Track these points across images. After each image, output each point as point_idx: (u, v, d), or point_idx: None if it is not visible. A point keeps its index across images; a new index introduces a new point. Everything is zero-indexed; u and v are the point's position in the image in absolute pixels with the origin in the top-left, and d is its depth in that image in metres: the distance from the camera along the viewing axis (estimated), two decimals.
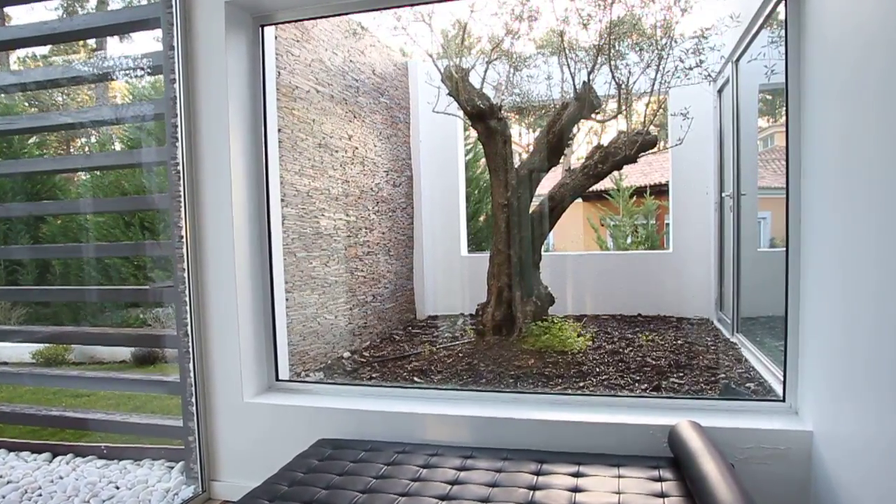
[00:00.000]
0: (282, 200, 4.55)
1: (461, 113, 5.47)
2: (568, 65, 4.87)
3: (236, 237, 3.19)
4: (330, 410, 3.08)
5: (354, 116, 5.95)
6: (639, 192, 8.32)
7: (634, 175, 9.23)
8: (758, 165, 5.60)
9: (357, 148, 5.97)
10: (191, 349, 3.26)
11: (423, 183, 7.51)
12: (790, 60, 2.51)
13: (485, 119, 5.14)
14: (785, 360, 2.62)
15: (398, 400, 3.14)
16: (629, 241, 8.28)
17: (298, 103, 4.85)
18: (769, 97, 5.81)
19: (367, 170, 6.22)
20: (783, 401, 2.65)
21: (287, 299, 4.57)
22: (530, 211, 5.49)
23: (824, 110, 2.22)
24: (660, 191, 8.46)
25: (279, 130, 4.56)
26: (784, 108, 2.56)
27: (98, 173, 6.69)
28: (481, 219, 8.15)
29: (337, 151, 5.54)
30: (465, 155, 8.01)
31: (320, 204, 5.19)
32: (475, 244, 8.06)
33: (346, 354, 5.52)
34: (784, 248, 2.60)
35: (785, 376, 2.63)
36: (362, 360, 5.42)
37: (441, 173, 7.51)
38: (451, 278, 7.49)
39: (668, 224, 8.87)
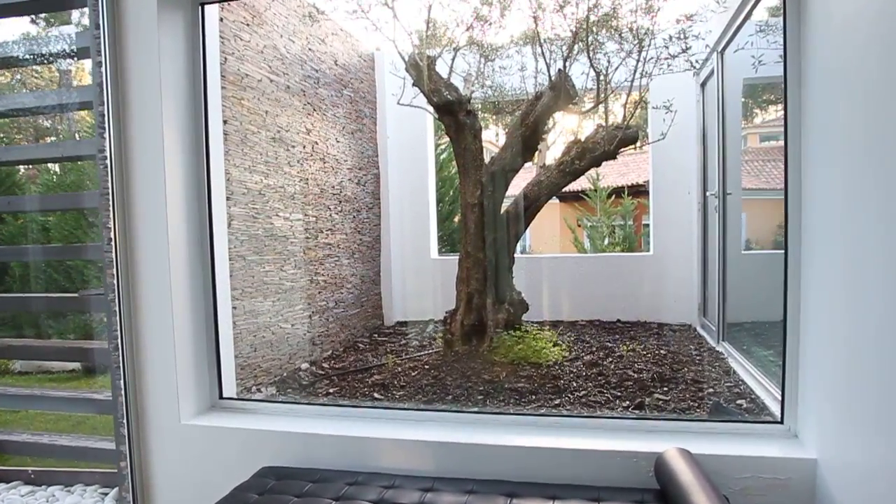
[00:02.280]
0: (228, 199, 4.27)
1: (430, 106, 5.22)
2: (543, 53, 4.64)
3: (172, 239, 2.91)
4: (276, 434, 2.83)
5: (314, 109, 5.68)
6: (616, 192, 8.34)
7: (612, 175, 9.29)
8: (741, 164, 5.46)
9: (317, 143, 5.70)
10: (121, 364, 2.98)
11: (391, 181, 7.35)
12: (789, 46, 2.30)
13: (453, 112, 4.90)
14: (783, 376, 2.42)
15: (353, 421, 2.90)
16: (606, 242, 8.25)
17: (249, 93, 4.56)
18: (756, 91, 5.68)
19: (329, 167, 5.95)
20: (781, 422, 2.44)
21: (235, 307, 4.29)
22: (503, 211, 5.27)
23: (828, 100, 2.02)
24: (637, 191, 8.62)
25: (225, 122, 4.27)
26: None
27: (58, 171, 6.47)
28: (456, 219, 7.99)
29: (294, 146, 5.26)
30: (441, 153, 7.86)
31: (274, 203, 4.90)
32: (450, 245, 7.94)
33: (304, 366, 5.24)
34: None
35: (783, 395, 2.43)
36: (321, 372, 5.15)
37: (410, 171, 7.36)
38: (421, 282, 7.36)
39: (646, 225, 8.90)
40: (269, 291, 4.82)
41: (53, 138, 7.63)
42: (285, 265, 5.08)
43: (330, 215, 5.96)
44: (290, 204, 5.16)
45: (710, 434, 2.48)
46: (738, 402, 3.65)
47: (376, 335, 6.74)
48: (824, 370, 2.09)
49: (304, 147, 5.47)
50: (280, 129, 5.03)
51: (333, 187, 6.04)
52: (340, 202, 6.20)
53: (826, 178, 2.06)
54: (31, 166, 6.94)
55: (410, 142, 7.32)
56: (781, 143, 2.41)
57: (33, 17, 6.50)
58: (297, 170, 5.29)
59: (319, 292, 5.73)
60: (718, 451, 2.28)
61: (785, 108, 2.34)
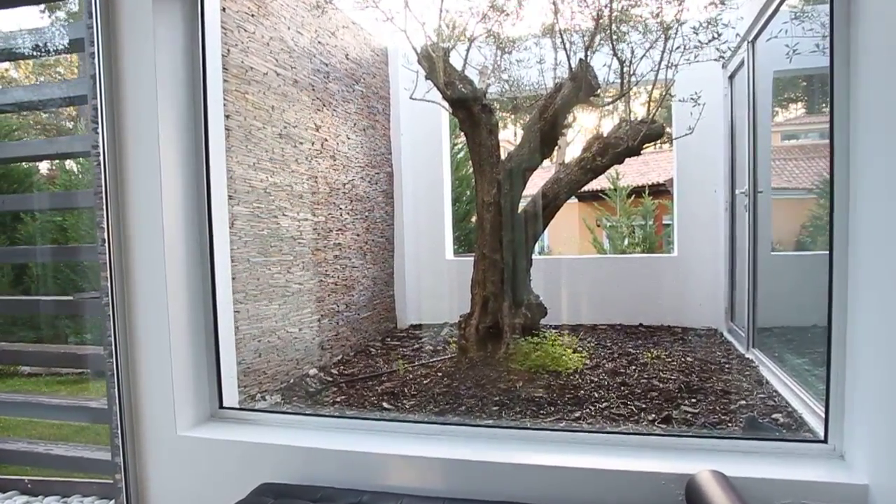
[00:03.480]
0: (231, 198, 4.14)
1: (444, 101, 5.06)
2: (563, 42, 4.46)
3: (168, 240, 2.78)
4: (277, 448, 2.70)
5: (324, 105, 5.54)
6: (636, 191, 8.25)
7: (631, 174, 9.22)
8: (770, 161, 5.26)
9: (326, 140, 5.57)
10: (115, 372, 2.86)
11: (405, 180, 7.23)
12: (836, 30, 2.11)
13: (468, 106, 4.74)
14: (827, 389, 2.23)
15: (358, 435, 2.75)
16: (626, 242, 8.14)
17: (253, 87, 4.43)
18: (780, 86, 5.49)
19: (339, 164, 5.81)
20: (825, 441, 2.25)
21: (238, 311, 4.17)
22: (520, 210, 5.10)
23: (883, 87, 1.83)
24: (658, 191, 8.51)
25: (228, 117, 4.14)
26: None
27: (76, 171, 6.41)
28: (473, 220, 7.88)
29: (302, 143, 5.13)
30: (458, 152, 7.76)
31: (281, 202, 4.77)
32: (466, 246, 7.84)
33: (313, 372, 5.11)
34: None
35: (827, 410, 2.24)
36: (329, 379, 5.01)
37: (425, 169, 7.25)
38: (436, 283, 7.24)
39: (666, 225, 8.78)
40: (276, 294, 4.69)
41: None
42: (293, 267, 4.95)
43: (340, 215, 5.83)
44: (298, 203, 5.03)
45: (746, 453, 2.30)
46: (774, 416, 3.45)
47: (389, 339, 6.61)
48: (875, 383, 1.91)
49: (313, 144, 5.34)
50: (287, 125, 4.90)
51: (344, 186, 5.91)
52: (352, 201, 6.07)
53: (879, 173, 1.88)
54: (52, 166, 6.91)
55: (425, 139, 7.20)
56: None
57: (42, 6, 6.43)
58: (305, 167, 5.16)
59: (329, 295, 5.60)
60: (755, 473, 2.10)
61: (831, 98, 2.16)
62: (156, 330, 2.80)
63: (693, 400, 3.85)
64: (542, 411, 3.78)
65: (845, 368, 2.15)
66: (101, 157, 2.77)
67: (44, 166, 6.86)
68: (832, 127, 2.15)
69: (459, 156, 7.89)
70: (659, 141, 5.08)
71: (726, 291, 6.13)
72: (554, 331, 5.44)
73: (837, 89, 2.12)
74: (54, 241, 6.01)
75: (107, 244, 2.79)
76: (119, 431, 2.86)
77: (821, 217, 6.46)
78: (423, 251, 7.30)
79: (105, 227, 2.80)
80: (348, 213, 5.99)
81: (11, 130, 6.61)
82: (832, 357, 2.20)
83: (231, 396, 3.15)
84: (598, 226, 8.88)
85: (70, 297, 3.66)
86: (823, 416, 2.26)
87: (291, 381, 4.84)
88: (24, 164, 6.19)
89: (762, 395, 3.87)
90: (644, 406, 3.78)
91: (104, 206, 2.79)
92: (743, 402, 3.78)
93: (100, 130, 2.76)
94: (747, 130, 4.79)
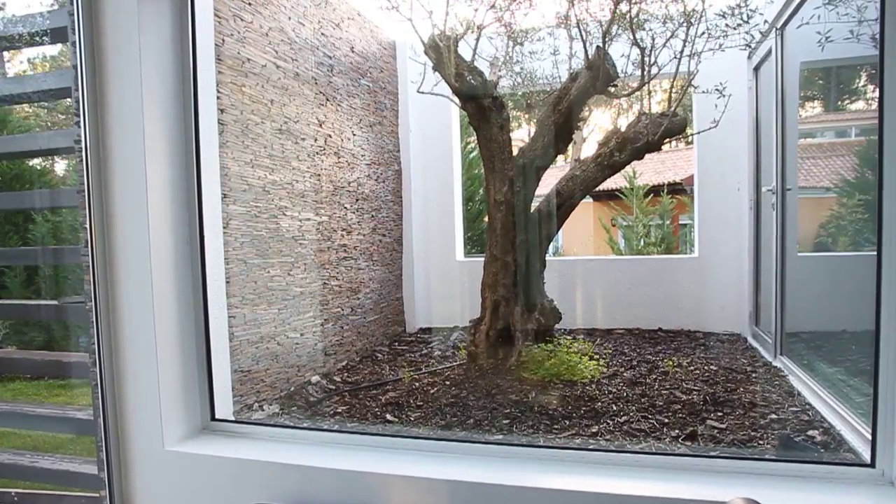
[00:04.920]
0: (226, 196, 3.98)
1: (454, 95, 4.88)
2: (579, 28, 4.26)
3: (155, 241, 2.61)
4: (270, 466, 2.52)
5: (327, 99, 5.39)
6: (652, 191, 8.22)
7: (648, 173, 9.15)
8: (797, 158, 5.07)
9: (330, 136, 5.41)
10: (99, 381, 2.71)
11: (414, 178, 7.09)
12: (888, 12, 1.91)
13: (477, 99, 4.55)
14: (875, 407, 2.02)
15: (357, 452, 2.57)
16: (642, 242, 8.04)
17: (251, 79, 4.28)
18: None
19: (344, 162, 5.66)
20: (872, 466, 2.05)
21: (234, 316, 4.01)
22: (533, 209, 4.91)
23: None
24: (674, 190, 8.49)
25: (223, 111, 3.99)
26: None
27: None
28: (486, 219, 7.78)
29: (304, 139, 4.97)
30: (471, 151, 7.63)
31: (281, 201, 4.61)
32: (479, 247, 7.72)
33: (315, 379, 4.95)
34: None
35: (874, 431, 2.03)
36: (332, 386, 4.84)
37: (435, 167, 7.13)
38: (447, 285, 7.13)
39: (682, 225, 8.69)
40: (275, 298, 4.53)
41: None
42: (294, 269, 4.79)
43: (345, 214, 5.67)
44: (300, 202, 4.87)
45: (782, 478, 2.10)
46: (810, 433, 3.24)
47: (397, 343, 6.46)
48: None
49: (316, 140, 5.18)
50: (288, 120, 4.74)
51: (349, 184, 5.75)
52: (357, 200, 5.91)
53: None
54: (69, 166, 6.80)
55: (435, 135, 7.08)
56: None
57: None
58: (307, 165, 5.00)
59: (333, 298, 5.44)
60: (794, 500, 1.91)
61: (881, 86, 1.96)
62: (142, 336, 2.64)
63: (719, 413, 3.64)
64: (556, 425, 3.59)
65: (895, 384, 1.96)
66: (84, 153, 2.62)
67: (60, 166, 6.74)
68: (881, 119, 1.96)
69: (473, 154, 7.76)
70: (681, 136, 4.87)
71: (750, 294, 5.95)
72: (569, 336, 5.26)
73: (889, 75, 1.93)
74: (65, 240, 5.91)
75: (90, 245, 2.65)
76: (103, 444, 2.73)
77: (842, 217, 6.29)
78: (433, 252, 7.18)
79: (88, 227, 2.66)
80: (354, 213, 5.83)
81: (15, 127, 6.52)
82: (881, 370, 2.00)
83: (225, 407, 2.99)
84: (614, 225, 8.78)
85: (55, 302, 3.54)
86: (864, 434, 2.06)
87: (292, 388, 4.68)
88: (11, 161, 6.09)
89: (794, 409, 3.66)
90: (666, 420, 3.58)
91: (87, 205, 2.64)
92: (774, 417, 3.57)
93: (82, 124, 2.62)
94: (775, 124, 4.59)
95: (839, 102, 7.28)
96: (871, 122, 7.11)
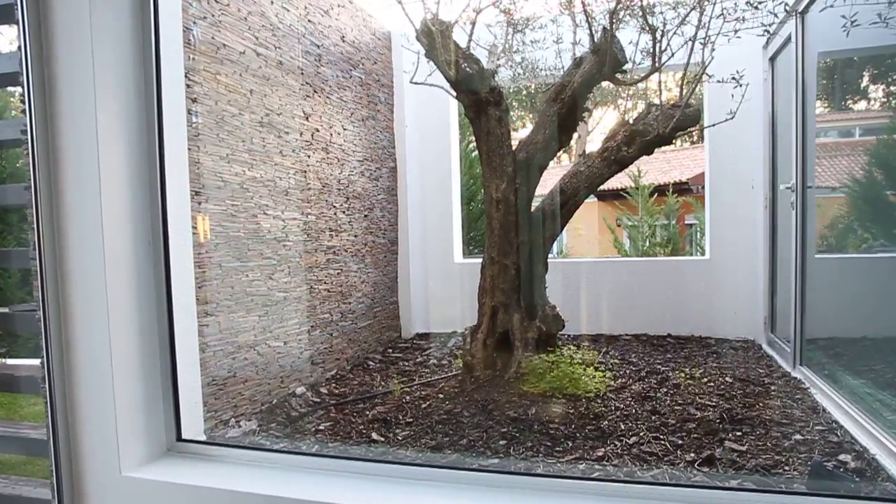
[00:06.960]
0: (198, 194, 3.71)
1: (448, 85, 4.60)
2: (585, 13, 3.98)
3: (110, 242, 2.33)
4: (238, 496, 2.24)
5: (314, 91, 5.11)
6: (657, 190, 8.16)
7: (653, 172, 9.05)
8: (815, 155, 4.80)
9: (318, 130, 5.14)
10: (49, 398, 2.43)
11: (410, 175, 6.85)
12: None
13: (473, 88, 4.27)
14: None
15: (335, 480, 2.28)
16: (648, 243, 7.90)
17: (227, 66, 4.00)
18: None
19: (333, 158, 5.38)
20: None
21: (207, 325, 3.74)
22: (534, 208, 4.63)
23: None
24: (680, 189, 8.43)
25: (194, 100, 3.71)
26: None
27: None
28: None
29: (287, 133, 4.69)
30: (474, 150, 7.41)
31: (261, 199, 4.34)
32: (481, 247, 7.49)
33: (300, 390, 4.68)
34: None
35: None
36: (317, 399, 4.56)
37: (433, 163, 6.92)
38: (445, 288, 6.91)
39: (689, 225, 8.55)
40: (255, 304, 4.25)
41: None
42: (276, 272, 4.51)
43: (335, 214, 5.40)
44: (283, 200, 4.59)
45: None
46: (841, 457, 2.95)
47: (391, 350, 6.20)
48: None
49: (302, 134, 4.90)
50: (269, 112, 4.46)
51: (339, 182, 5.48)
52: (348, 199, 5.64)
53: None
54: None
55: (433, 131, 6.84)
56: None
57: None
58: (291, 161, 4.73)
59: (321, 303, 5.17)
60: None
61: None
62: (97, 347, 2.36)
63: (738, 433, 3.34)
64: (557, 447, 3.30)
65: None
66: (31, 145, 2.35)
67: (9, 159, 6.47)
68: None
69: (475, 153, 7.54)
70: (694, 128, 4.59)
71: (765, 299, 5.71)
72: (573, 344, 4.98)
73: None
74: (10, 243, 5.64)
75: (38, 247, 2.38)
76: (54, 469, 2.46)
77: (850, 217, 6.04)
78: (430, 253, 6.97)
79: (36, 227, 2.39)
80: (344, 212, 5.56)
81: None
82: None
83: (194, 425, 2.70)
84: (619, 225, 8.62)
85: (6, 310, 3.28)
86: None
87: (274, 401, 4.41)
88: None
89: (820, 427, 3.38)
90: (680, 442, 3.28)
91: (34, 203, 2.38)
92: (799, 437, 3.27)
93: (28, 112, 2.35)
94: (794, 118, 4.32)
95: (843, 102, 7.01)
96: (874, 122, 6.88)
